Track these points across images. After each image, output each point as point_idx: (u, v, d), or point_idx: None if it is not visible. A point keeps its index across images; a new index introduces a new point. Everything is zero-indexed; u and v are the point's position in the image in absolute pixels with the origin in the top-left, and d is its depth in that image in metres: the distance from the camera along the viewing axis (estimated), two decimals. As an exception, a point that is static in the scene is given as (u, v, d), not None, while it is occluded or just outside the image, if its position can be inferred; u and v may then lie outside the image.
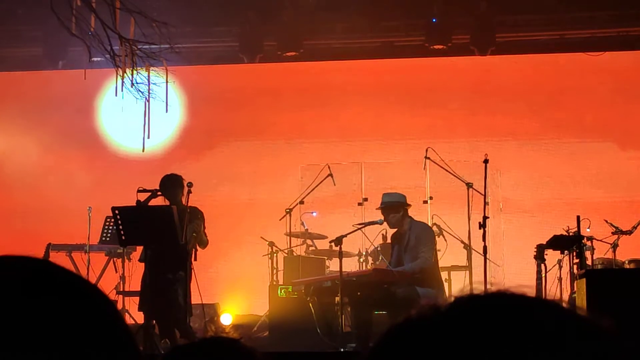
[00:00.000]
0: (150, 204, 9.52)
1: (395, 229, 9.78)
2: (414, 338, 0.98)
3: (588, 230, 10.41)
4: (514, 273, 12.20)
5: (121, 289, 11.76)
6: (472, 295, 1.01)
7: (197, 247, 9.65)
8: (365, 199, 12.47)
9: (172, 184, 9.61)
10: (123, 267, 11.80)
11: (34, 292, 1.04)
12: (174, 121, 13.96)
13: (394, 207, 9.59)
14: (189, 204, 9.51)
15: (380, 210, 9.68)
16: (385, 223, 9.79)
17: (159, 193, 9.50)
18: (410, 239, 9.47)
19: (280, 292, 10.47)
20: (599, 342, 0.97)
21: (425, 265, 9.30)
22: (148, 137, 10.61)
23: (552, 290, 10.65)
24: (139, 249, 10.62)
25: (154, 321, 9.59)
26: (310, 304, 9.79)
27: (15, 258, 1.10)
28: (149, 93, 10.27)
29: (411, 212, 9.77)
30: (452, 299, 1.01)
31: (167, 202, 9.57)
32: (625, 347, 0.98)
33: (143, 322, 9.44)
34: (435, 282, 9.41)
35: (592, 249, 10.71)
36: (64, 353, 1.00)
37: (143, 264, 9.71)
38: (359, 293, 9.37)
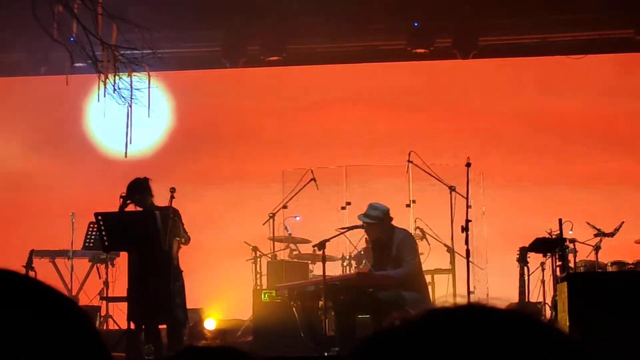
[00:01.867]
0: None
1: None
2: (383, 352, 1.00)
3: (570, 232, 10.43)
4: (497, 276, 12.21)
5: (105, 295, 11.74)
6: (442, 309, 1.02)
7: (181, 246, 9.66)
8: (349, 203, 12.48)
9: (136, 189, 9.57)
10: (107, 272, 11.77)
11: (4, 305, 1.03)
12: (157, 126, 13.93)
13: (379, 223, 9.52)
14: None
15: (365, 223, 9.63)
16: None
17: (128, 201, 9.48)
18: (392, 247, 9.45)
19: (264, 296, 10.46)
20: (568, 357, 0.98)
21: (409, 272, 9.29)
22: (130, 143, 10.59)
23: (535, 293, 10.68)
24: (123, 254, 10.61)
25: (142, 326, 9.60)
26: (294, 309, 9.78)
27: None
28: (131, 98, 10.25)
29: (395, 214, 9.76)
30: (423, 311, 1.02)
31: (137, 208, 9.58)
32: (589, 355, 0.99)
33: (126, 328, 9.43)
34: (419, 285, 9.41)
35: (575, 252, 10.74)
36: None
37: (126, 270, 9.70)
38: (342, 297, 9.37)
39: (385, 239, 9.55)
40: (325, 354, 9.18)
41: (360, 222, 9.78)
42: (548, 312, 10.39)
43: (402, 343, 0.99)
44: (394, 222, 9.68)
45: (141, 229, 9.32)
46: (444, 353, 0.95)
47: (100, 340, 1.10)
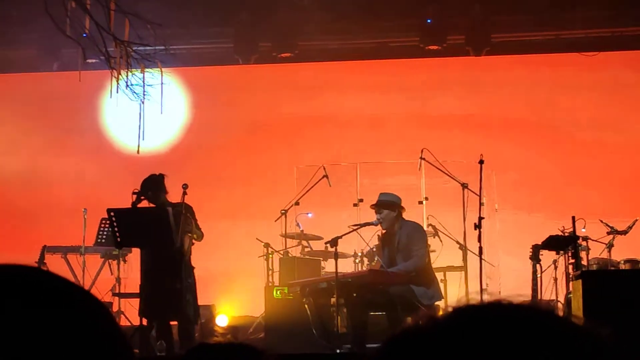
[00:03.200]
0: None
1: (385, 231, 9.77)
2: (412, 351, 0.98)
3: (583, 230, 10.41)
4: (509, 273, 12.19)
5: (117, 291, 11.75)
6: (469, 307, 1.00)
7: (194, 242, 9.66)
8: (361, 200, 12.44)
9: (150, 186, 9.57)
10: (118, 269, 11.78)
11: (26, 302, 1.02)
12: (171, 122, 13.93)
13: (389, 206, 9.57)
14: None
15: (375, 208, 9.65)
16: (380, 224, 9.78)
17: (142, 197, 9.47)
18: (401, 238, 9.46)
19: (276, 293, 10.46)
20: (596, 353, 0.96)
21: (419, 264, 9.28)
22: (143, 139, 10.59)
23: (548, 291, 10.66)
24: (135, 250, 10.62)
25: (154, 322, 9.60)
26: (306, 305, 9.78)
27: (6, 267, 1.08)
28: (143, 95, 10.26)
29: (407, 212, 9.76)
30: (450, 309, 1.00)
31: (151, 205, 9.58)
32: (622, 355, 0.97)
33: (139, 325, 9.43)
34: (430, 280, 9.40)
35: (588, 249, 10.72)
36: None
37: (139, 266, 9.70)
38: (354, 294, 9.36)
39: (393, 230, 9.55)
40: (338, 350, 9.17)
41: (372, 219, 9.79)
42: (560, 310, 10.35)
43: (430, 342, 0.97)
44: (406, 218, 9.70)
45: (153, 226, 9.32)
46: (476, 352, 0.93)
47: (120, 332, 1.09)
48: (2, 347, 0.98)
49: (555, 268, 10.93)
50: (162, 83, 10.48)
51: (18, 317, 1.00)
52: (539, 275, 9.77)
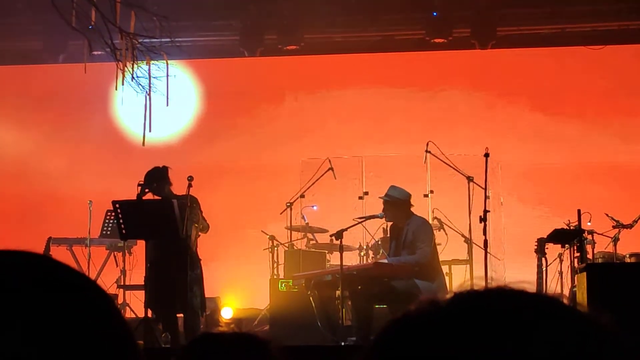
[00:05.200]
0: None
1: (392, 223, 9.77)
2: (413, 334, 0.98)
3: (589, 224, 10.39)
4: (514, 267, 12.19)
5: (122, 283, 11.77)
6: (472, 291, 1.00)
7: (200, 234, 9.68)
8: (366, 193, 12.45)
9: (155, 178, 9.57)
10: (124, 261, 11.80)
11: (33, 288, 1.03)
12: (177, 114, 13.91)
13: (396, 204, 9.54)
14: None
15: (383, 201, 9.64)
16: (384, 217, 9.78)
17: (147, 189, 9.48)
18: (407, 234, 9.44)
19: (281, 286, 10.47)
20: (599, 340, 0.96)
21: (423, 259, 9.26)
22: (149, 131, 10.60)
23: (553, 284, 10.65)
24: (140, 242, 10.63)
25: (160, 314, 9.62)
26: (311, 298, 9.78)
27: (14, 253, 1.09)
28: (149, 87, 10.26)
29: (413, 205, 9.74)
30: (452, 294, 1.00)
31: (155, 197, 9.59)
32: (625, 344, 0.97)
33: (144, 316, 9.44)
34: (435, 275, 9.39)
35: (593, 243, 10.70)
36: (63, 349, 1.00)
37: (144, 258, 9.72)
38: (359, 287, 9.36)
39: (401, 225, 9.53)
40: (342, 343, 9.17)
41: (377, 212, 9.78)
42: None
43: (430, 324, 0.97)
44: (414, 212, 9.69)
45: (159, 218, 9.33)
46: (477, 335, 0.93)
47: (125, 322, 1.09)
48: (7, 329, 0.98)
49: (561, 262, 10.92)
50: (167, 75, 10.49)
51: (20, 302, 1.00)
52: (544, 269, 9.76)
